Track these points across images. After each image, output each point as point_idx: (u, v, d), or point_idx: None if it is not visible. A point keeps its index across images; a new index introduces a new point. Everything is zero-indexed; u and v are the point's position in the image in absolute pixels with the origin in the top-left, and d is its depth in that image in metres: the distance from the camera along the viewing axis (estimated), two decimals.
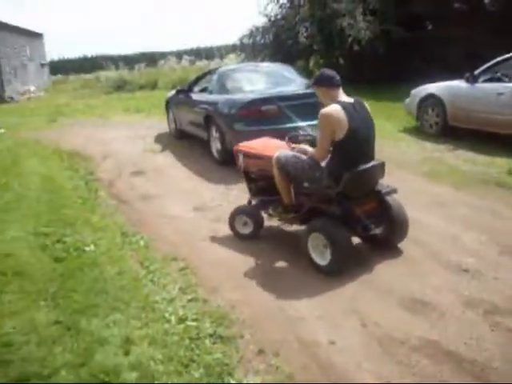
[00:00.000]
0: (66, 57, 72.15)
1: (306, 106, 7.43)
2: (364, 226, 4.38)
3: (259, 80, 9.12)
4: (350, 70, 16.63)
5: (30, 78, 39.96)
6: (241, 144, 5.66)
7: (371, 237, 4.58)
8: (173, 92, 11.41)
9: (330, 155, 4.40)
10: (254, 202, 5.45)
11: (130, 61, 46.86)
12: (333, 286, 4.12)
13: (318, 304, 3.88)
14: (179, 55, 41.01)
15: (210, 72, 10.24)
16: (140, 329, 3.58)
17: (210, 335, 3.51)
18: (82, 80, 37.35)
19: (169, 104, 11.59)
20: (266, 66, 10.57)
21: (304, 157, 4.58)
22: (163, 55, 49.49)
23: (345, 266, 4.31)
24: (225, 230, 5.48)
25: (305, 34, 18.69)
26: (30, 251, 4.96)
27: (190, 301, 4.01)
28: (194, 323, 3.67)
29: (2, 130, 14.47)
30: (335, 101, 4.26)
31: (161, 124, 12.74)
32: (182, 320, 3.71)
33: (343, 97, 4.36)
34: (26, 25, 42.78)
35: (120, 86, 29.11)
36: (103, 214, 6.23)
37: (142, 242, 5.23)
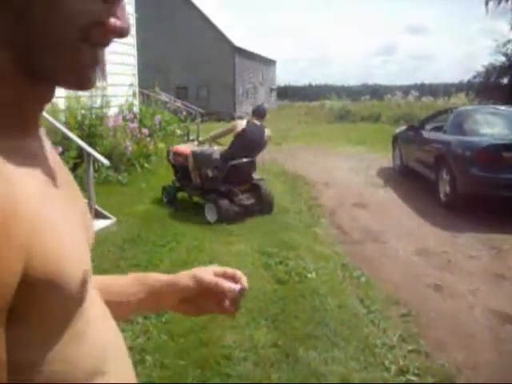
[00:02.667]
0: (292, 83, 76.06)
1: None
2: (239, 199, 6.96)
3: (500, 124, 8.49)
4: None
5: (259, 100, 42.69)
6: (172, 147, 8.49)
7: (246, 206, 7.00)
8: (402, 128, 11.23)
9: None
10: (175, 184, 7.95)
11: (352, 92, 47.60)
12: None
13: None
14: (405, 90, 40.49)
15: (446, 111, 9.84)
16: (358, 372, 3.42)
17: None
18: (306, 107, 38.66)
19: (397, 139, 11.37)
20: (508, 110, 9.80)
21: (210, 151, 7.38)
22: (387, 88, 49.39)
23: (226, 222, 6.63)
24: (452, 280, 5.10)
25: None
26: (255, 268, 5.12)
27: (410, 351, 3.74)
28: (416, 378, 3.40)
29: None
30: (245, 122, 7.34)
31: (383, 158, 12.55)
32: (402, 371, 3.46)
33: (256, 121, 7.28)
34: (262, 51, 45.97)
35: (342, 116, 29.59)
36: (324, 243, 6.24)
37: (363, 279, 5.09)
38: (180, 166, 7.86)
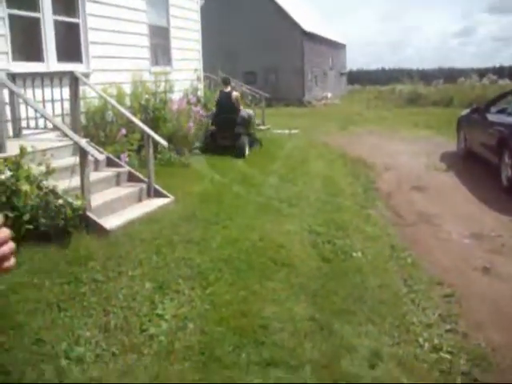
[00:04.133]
0: (364, 68, 74.82)
1: None
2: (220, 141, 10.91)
3: None
4: None
5: (329, 85, 42.41)
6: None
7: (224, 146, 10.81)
8: (467, 110, 10.93)
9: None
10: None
11: (426, 75, 46.25)
12: None
13: None
14: (482, 73, 38.93)
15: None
16: (391, 346, 3.49)
17: (464, 374, 3.24)
18: (377, 91, 38.01)
19: (461, 123, 11.10)
20: None
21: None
22: (463, 72, 47.66)
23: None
24: (502, 263, 5.03)
25: None
26: (302, 246, 5.25)
27: (448, 331, 3.76)
28: (449, 356, 3.43)
29: (296, 131, 15.68)
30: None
31: (449, 142, 12.28)
32: (435, 349, 3.50)
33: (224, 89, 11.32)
34: (332, 35, 45.44)
35: (413, 100, 28.91)
36: (376, 224, 6.26)
37: (409, 260, 5.10)
38: None
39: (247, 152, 10.73)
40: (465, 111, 11.47)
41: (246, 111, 11.68)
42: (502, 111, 9.08)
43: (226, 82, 11.60)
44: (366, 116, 21.26)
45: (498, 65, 64.91)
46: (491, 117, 9.15)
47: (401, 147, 12.25)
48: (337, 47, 47.71)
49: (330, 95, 37.75)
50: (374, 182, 8.59)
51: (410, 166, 10.01)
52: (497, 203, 7.24)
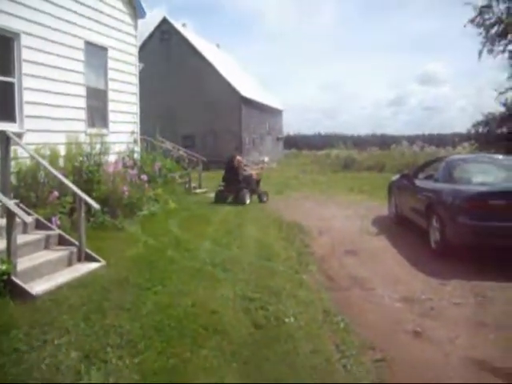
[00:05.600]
0: (301, 132, 76.97)
1: None
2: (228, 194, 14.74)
3: (493, 173, 8.57)
4: None
5: (266, 149, 43.27)
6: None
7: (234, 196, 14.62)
8: (397, 176, 11.38)
9: None
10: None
11: (360, 141, 48.14)
12: None
13: None
14: (412, 140, 40.82)
15: (438, 159, 10.02)
16: None
17: None
18: (313, 155, 39.13)
19: (391, 188, 11.54)
20: (503, 158, 9.88)
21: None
22: (395, 138, 49.76)
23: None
24: (432, 326, 5.14)
25: None
26: (234, 312, 5.20)
27: None
28: None
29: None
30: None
31: (381, 207, 12.70)
32: None
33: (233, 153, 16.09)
34: (269, 101, 46.76)
35: (347, 165, 29.92)
36: (310, 289, 6.30)
37: (342, 324, 5.13)
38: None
39: (247, 201, 14.35)
40: (395, 177, 11.94)
41: (248, 172, 15.74)
42: (428, 177, 9.52)
43: (235, 149, 17.81)
44: (302, 180, 21.76)
45: (427, 132, 68.33)
46: (419, 182, 9.57)
47: (335, 211, 12.56)
48: (274, 113, 49.07)
49: (267, 159, 38.54)
50: (309, 246, 8.70)
51: (344, 230, 10.24)
52: (426, 266, 7.45)
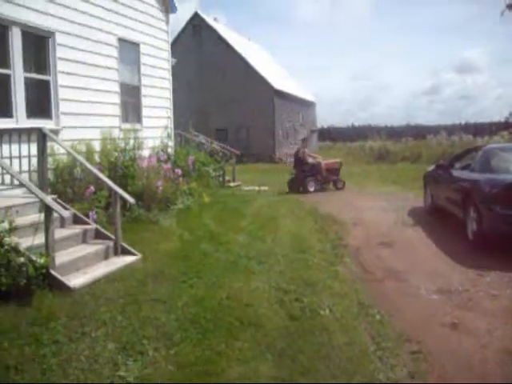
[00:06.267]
0: (335, 125, 76.46)
1: None
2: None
3: None
4: None
5: (299, 142, 43.09)
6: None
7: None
8: (432, 167, 11.21)
9: None
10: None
11: (394, 132, 47.53)
12: None
13: None
14: (448, 130, 40.11)
15: (476, 149, 9.82)
16: None
17: None
18: (347, 148, 38.81)
19: (427, 178, 11.38)
20: None
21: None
22: (429, 129, 49.01)
23: None
24: (469, 318, 5.06)
25: None
26: (269, 305, 5.21)
27: None
28: None
29: (266, 188, 15.89)
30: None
31: (416, 198, 12.55)
32: None
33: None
34: (302, 93, 46.55)
35: (382, 157, 29.57)
36: (344, 281, 6.27)
37: (378, 316, 5.10)
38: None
39: (311, 189, 15.80)
40: (430, 167, 11.77)
41: (315, 160, 16.66)
42: (465, 167, 9.35)
43: (302, 141, 18.40)
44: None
45: (463, 122, 67.12)
46: (455, 172, 9.41)
47: (369, 203, 12.45)
48: (307, 105, 48.87)
49: None
50: (343, 239, 8.66)
51: (379, 221, 10.15)
52: (463, 257, 7.34)
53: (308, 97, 49.80)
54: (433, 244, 8.28)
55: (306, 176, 15.93)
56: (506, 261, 6.98)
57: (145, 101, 12.34)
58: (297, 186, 16.00)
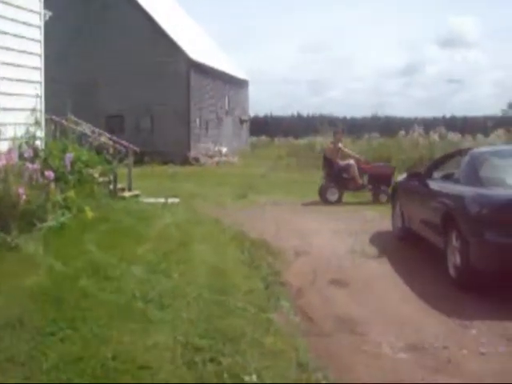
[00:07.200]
0: (273, 113, 77.25)
1: None
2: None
3: None
4: None
5: (224, 136, 43.14)
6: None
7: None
8: (404, 176, 11.50)
9: None
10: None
11: (356, 126, 48.58)
12: None
13: None
14: (428, 124, 41.03)
15: (460, 153, 10.11)
16: None
17: None
18: (290, 145, 39.25)
19: (396, 192, 11.66)
20: None
21: None
22: (404, 122, 50.35)
23: None
24: None
25: None
26: (173, 367, 5.17)
27: None
28: None
29: (176, 200, 15.80)
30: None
31: (383, 218, 12.86)
32: None
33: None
34: (231, 69, 46.73)
35: None
36: (280, 334, 6.31)
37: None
38: None
39: (333, 199, 17.00)
40: (401, 176, 12.06)
41: (345, 163, 17.75)
42: (447, 177, 9.61)
43: (334, 134, 20.06)
44: (273, 180, 21.92)
45: (449, 115, 69.46)
46: (434, 184, 9.67)
47: (319, 224, 12.65)
48: (236, 84, 49.01)
49: (225, 150, 38.45)
50: (280, 274, 8.73)
51: (330, 250, 10.31)
52: (442, 302, 7.54)
53: (239, 74, 50.02)
54: (403, 283, 8.48)
55: (328, 182, 17.64)
56: (498, 307, 7.21)
57: (3, 71, 12.02)
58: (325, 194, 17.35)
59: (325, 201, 16.94)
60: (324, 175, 18.03)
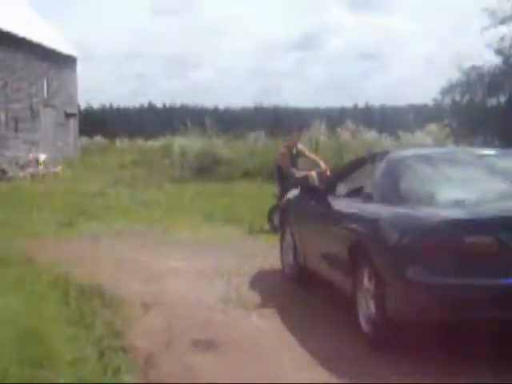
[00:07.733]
0: (114, 104, 76.65)
1: None
2: None
3: (475, 182, 8.82)
4: None
5: (43, 138, 42.59)
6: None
7: None
8: (296, 191, 11.57)
9: None
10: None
11: (231, 120, 48.95)
12: None
13: None
14: (331, 115, 41.70)
15: (373, 158, 10.21)
16: None
17: None
18: (137, 149, 39.26)
19: (286, 215, 11.73)
20: (497, 154, 10.21)
21: None
22: (298, 114, 51.16)
23: None
24: None
25: None
26: None
27: None
28: None
29: None
30: None
31: (270, 250, 12.94)
32: None
33: None
34: (50, 40, 46.23)
35: (207, 169, 30.04)
36: None
37: None
38: None
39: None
40: (292, 193, 12.10)
41: (302, 174, 17.10)
42: (355, 193, 9.72)
43: (289, 133, 19.69)
44: (113, 200, 21.74)
45: (360, 104, 71.03)
46: (337, 203, 9.76)
47: (176, 262, 12.63)
48: (59, 62, 48.44)
49: (43, 157, 37.89)
50: (122, 335, 8.64)
51: (193, 299, 10.31)
52: (351, 369, 7.62)
53: (63, 48, 49.40)
54: (295, 343, 8.52)
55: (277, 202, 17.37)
56: (424, 369, 7.31)
57: None
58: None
59: (273, 229, 16.66)
60: (277, 191, 18.07)
